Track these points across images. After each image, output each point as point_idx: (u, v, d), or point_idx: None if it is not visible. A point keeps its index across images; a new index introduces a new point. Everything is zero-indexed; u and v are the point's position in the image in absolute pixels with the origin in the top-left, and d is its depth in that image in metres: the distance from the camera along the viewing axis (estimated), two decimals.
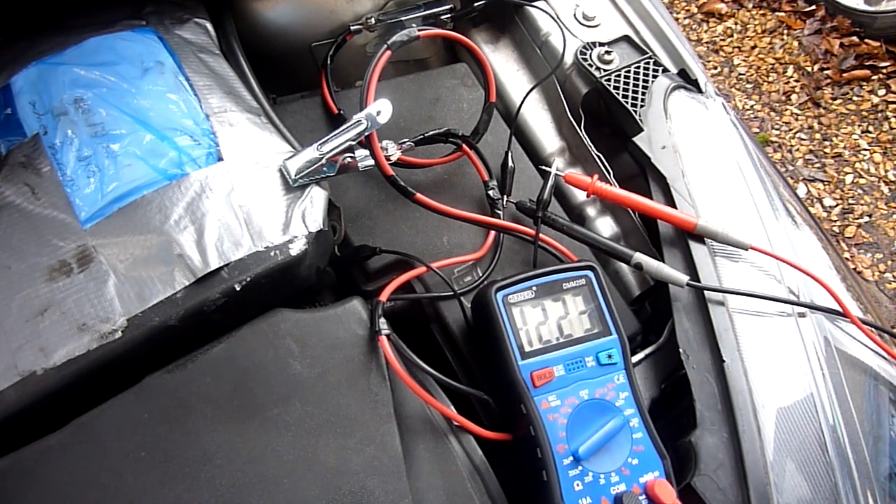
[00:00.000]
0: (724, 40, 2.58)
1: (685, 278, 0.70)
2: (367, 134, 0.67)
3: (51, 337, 0.55)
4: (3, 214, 0.60)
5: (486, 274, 0.74)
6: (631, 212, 0.85)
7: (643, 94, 0.87)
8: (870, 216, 2.08)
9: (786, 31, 2.56)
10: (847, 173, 2.17)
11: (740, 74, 2.48)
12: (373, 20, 0.89)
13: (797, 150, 2.25)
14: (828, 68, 2.39)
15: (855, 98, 2.33)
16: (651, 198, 0.79)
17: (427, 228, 0.77)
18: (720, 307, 0.69)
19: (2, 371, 0.54)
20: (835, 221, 2.07)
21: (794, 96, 2.37)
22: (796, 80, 2.41)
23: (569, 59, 0.91)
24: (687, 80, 0.91)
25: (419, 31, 0.72)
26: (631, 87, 0.88)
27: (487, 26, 1.02)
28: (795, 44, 2.50)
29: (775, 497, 0.59)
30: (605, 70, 0.89)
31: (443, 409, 0.61)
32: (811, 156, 2.22)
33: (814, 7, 2.53)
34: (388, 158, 0.72)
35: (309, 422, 0.57)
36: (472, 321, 0.70)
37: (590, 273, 0.67)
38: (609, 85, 0.87)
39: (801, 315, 0.71)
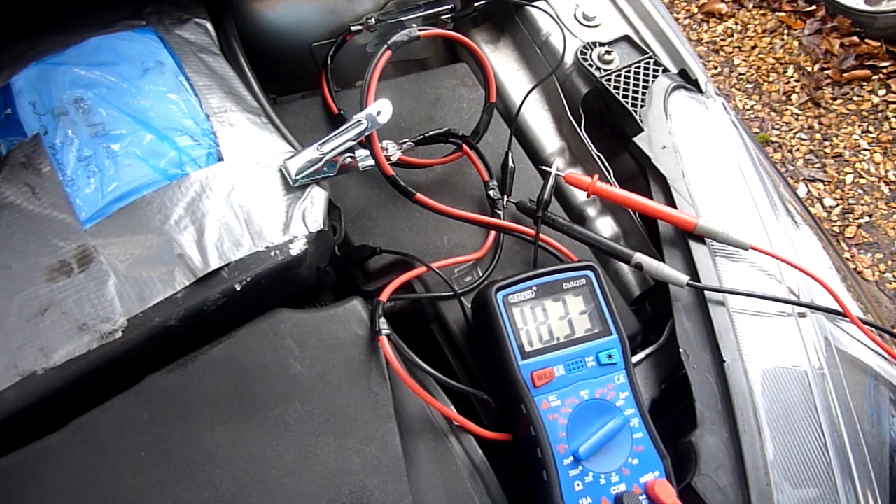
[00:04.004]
0: (724, 40, 2.58)
1: (685, 278, 0.70)
2: (367, 134, 0.67)
3: (51, 337, 0.55)
4: (3, 214, 0.60)
5: (487, 274, 0.74)
6: (631, 212, 0.85)
7: (643, 94, 0.87)
8: (870, 216, 2.08)
9: (786, 31, 2.56)
10: (847, 173, 2.17)
11: (740, 74, 2.48)
12: (373, 20, 0.89)
13: (797, 150, 2.25)
14: (828, 68, 2.39)
15: (855, 98, 2.33)
16: (651, 198, 0.79)
17: (427, 228, 0.77)
18: (720, 307, 0.69)
19: (2, 371, 0.54)
20: (835, 221, 2.07)
21: (794, 96, 2.37)
22: (796, 80, 2.41)
23: (569, 59, 0.91)
24: (687, 80, 0.91)
25: (419, 31, 0.72)
26: (631, 87, 0.87)
27: (487, 26, 1.02)
28: (796, 44, 2.50)
29: (776, 497, 0.59)
30: (605, 70, 0.89)
31: (443, 409, 0.61)
32: (811, 156, 2.22)
33: (814, 7, 2.53)
34: (388, 158, 0.72)
35: (309, 422, 0.57)
36: (472, 321, 0.70)
37: (590, 273, 0.67)
38: (609, 85, 0.87)
39: (801, 315, 0.71)
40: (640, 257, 0.73)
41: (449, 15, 0.93)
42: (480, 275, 0.74)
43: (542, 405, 0.60)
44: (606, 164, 0.87)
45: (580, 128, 0.89)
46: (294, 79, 0.93)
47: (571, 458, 0.59)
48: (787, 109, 2.35)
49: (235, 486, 0.54)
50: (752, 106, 2.38)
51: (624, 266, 0.82)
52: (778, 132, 2.30)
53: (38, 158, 0.62)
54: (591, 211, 0.89)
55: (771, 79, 2.44)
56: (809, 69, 2.41)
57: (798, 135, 2.28)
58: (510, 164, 0.81)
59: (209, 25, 0.77)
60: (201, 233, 0.60)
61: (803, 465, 0.62)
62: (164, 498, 0.53)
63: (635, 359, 0.73)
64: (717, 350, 0.66)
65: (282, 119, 0.73)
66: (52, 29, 0.72)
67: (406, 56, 1.02)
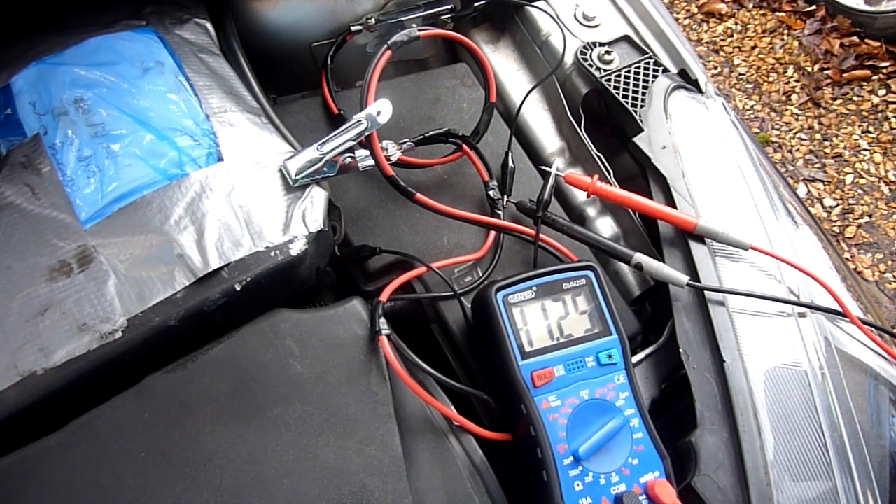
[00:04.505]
0: (724, 40, 2.58)
1: (685, 278, 0.70)
2: (367, 134, 0.67)
3: (51, 337, 0.55)
4: (3, 214, 0.60)
5: (487, 274, 0.74)
6: (631, 212, 0.85)
7: (643, 94, 0.87)
8: (870, 216, 2.08)
9: (786, 31, 2.56)
10: (847, 173, 2.17)
11: (740, 74, 2.48)
12: (373, 20, 0.89)
13: (797, 150, 2.25)
14: (828, 68, 2.39)
15: (855, 98, 2.33)
16: (651, 198, 0.79)
17: (427, 228, 0.77)
18: (720, 307, 0.69)
19: (2, 371, 0.54)
20: (835, 221, 2.07)
21: (794, 96, 2.37)
22: (796, 80, 2.41)
23: (569, 60, 0.91)
24: (687, 80, 0.91)
25: (419, 31, 0.72)
26: (631, 87, 0.87)
27: (487, 26, 1.02)
28: (795, 44, 2.50)
29: (776, 497, 0.59)
30: (605, 70, 0.89)
31: (443, 409, 0.61)
32: (811, 156, 2.22)
33: (814, 7, 2.53)
34: (388, 158, 0.72)
35: (309, 422, 0.57)
36: (472, 321, 0.70)
37: (590, 273, 0.67)
38: (609, 85, 0.87)
39: (801, 315, 0.71)
40: (640, 257, 0.73)
41: (449, 15, 0.93)
42: (480, 275, 0.74)
43: (542, 405, 0.60)
44: (606, 164, 0.87)
45: (580, 128, 0.89)
46: (294, 79, 0.93)
47: (571, 458, 0.59)
48: (787, 109, 2.35)
49: (235, 486, 0.54)
50: (752, 106, 2.38)
51: (624, 266, 0.82)
52: (778, 132, 2.30)
53: (38, 158, 0.62)
54: (591, 211, 0.89)
55: (771, 79, 2.44)
56: (809, 69, 2.41)
57: (798, 135, 2.28)
58: (510, 164, 0.81)
59: (209, 25, 0.77)
60: (201, 233, 0.60)
61: (803, 465, 0.62)
62: (164, 498, 0.53)
63: (635, 359, 0.73)
64: (717, 350, 0.66)
65: (282, 119, 0.73)
66: (52, 29, 0.72)
67: (406, 56, 1.02)
